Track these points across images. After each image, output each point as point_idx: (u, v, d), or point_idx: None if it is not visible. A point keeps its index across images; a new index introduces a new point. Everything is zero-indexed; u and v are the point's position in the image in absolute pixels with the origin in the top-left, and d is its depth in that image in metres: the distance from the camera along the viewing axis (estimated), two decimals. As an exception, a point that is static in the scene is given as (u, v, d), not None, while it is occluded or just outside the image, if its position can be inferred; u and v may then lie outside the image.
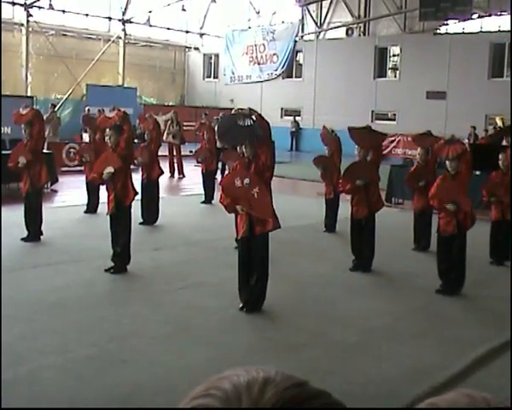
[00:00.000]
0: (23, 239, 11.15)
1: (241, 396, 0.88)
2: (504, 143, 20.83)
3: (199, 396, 0.89)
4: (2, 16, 32.47)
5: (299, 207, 15.50)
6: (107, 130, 10.05)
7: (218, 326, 7.42)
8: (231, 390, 0.89)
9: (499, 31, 33.46)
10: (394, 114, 35.04)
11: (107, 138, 10.02)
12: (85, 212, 13.94)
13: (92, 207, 13.76)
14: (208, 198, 15.97)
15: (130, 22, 37.60)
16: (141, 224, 13.03)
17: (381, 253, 10.38)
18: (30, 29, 33.47)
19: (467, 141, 24.04)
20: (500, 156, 11.20)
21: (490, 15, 35.39)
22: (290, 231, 13.28)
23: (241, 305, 7.95)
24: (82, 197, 14.48)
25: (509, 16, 30.74)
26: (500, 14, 34.76)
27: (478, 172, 15.04)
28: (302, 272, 10.01)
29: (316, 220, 13.58)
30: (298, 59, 39.49)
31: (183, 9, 37.56)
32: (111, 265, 9.47)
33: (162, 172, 14.17)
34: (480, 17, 35.38)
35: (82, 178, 14.98)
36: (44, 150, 17.23)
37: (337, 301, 8.68)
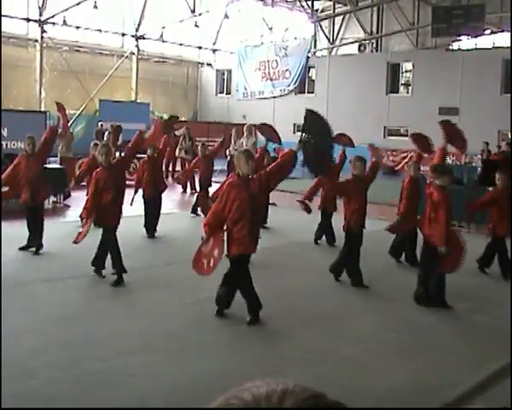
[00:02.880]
0: (21, 248, 11.35)
1: (260, 406, 0.88)
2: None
3: (220, 406, 0.90)
4: (17, 32, 32.84)
5: (310, 222, 15.47)
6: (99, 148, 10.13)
7: (227, 341, 7.42)
8: (251, 400, 0.90)
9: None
10: (407, 130, 34.96)
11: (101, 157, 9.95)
12: (94, 226, 13.97)
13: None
14: None
15: (144, 38, 37.79)
16: (149, 237, 13.21)
17: (381, 268, 10.36)
18: (44, 45, 33.72)
19: (479, 157, 24.02)
20: (497, 176, 11.41)
21: (502, 31, 35.41)
22: (296, 246, 13.29)
23: (247, 319, 8.00)
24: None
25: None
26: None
27: (490, 188, 15.02)
28: (308, 287, 10.00)
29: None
30: (310, 75, 39.55)
31: (196, 25, 37.72)
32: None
33: (166, 187, 14.22)
34: (492, 33, 35.43)
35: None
36: (57, 165, 17.36)
37: (343, 316, 8.66)
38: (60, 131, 12.43)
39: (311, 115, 9.01)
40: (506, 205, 11.10)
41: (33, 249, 11.43)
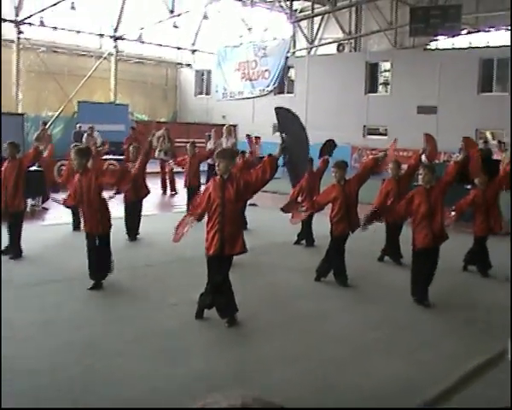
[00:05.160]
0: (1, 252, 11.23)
1: None
2: (495, 157, 20.96)
3: None
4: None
5: (289, 223, 15.48)
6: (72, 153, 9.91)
7: (210, 342, 7.41)
8: None
9: (488, 46, 33.75)
10: (386, 129, 35.15)
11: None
12: (74, 230, 13.90)
13: (78, 224, 13.52)
14: None
15: (122, 39, 37.63)
16: (131, 241, 13.16)
17: (366, 267, 10.39)
18: (21, 46, 33.45)
19: (457, 155, 24.13)
20: (476, 181, 11.52)
21: (479, 31, 35.69)
22: (279, 246, 13.30)
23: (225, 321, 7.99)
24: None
25: (499, 31, 30.94)
26: (488, 30, 35.09)
27: (469, 186, 15.11)
28: (290, 287, 10.02)
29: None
30: (290, 75, 39.61)
31: (175, 26, 37.62)
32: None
33: (148, 192, 14.04)
34: (469, 33, 35.66)
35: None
36: (35, 168, 17.23)
37: (326, 315, 8.68)
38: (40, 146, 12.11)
39: (283, 113, 9.01)
40: (484, 206, 11.19)
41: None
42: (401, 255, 11.76)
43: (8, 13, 32.67)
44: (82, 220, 9.87)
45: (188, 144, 17.06)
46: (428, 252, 9.13)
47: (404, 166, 12.46)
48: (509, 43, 29.65)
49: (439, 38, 34.86)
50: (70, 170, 12.47)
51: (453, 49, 34.85)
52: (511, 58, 29.20)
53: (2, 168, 11.41)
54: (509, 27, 31.19)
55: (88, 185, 9.37)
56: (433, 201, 9.15)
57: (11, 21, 32.81)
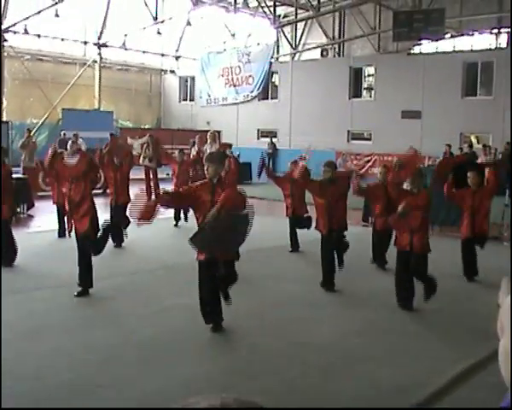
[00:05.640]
0: None
1: None
2: (479, 160, 21.10)
3: None
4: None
5: (274, 228, 15.52)
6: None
7: (194, 349, 7.40)
8: None
9: (472, 50, 33.98)
10: (370, 134, 35.28)
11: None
12: (59, 236, 13.85)
13: (63, 231, 13.44)
14: (179, 221, 16.24)
15: (106, 46, 37.61)
16: (115, 246, 13.09)
17: (352, 272, 10.42)
18: (5, 54, 33.34)
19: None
20: (469, 174, 11.37)
21: (462, 35, 35.93)
22: (265, 252, 13.31)
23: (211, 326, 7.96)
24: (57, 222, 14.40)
25: (483, 35, 31.14)
26: (472, 34, 35.34)
27: (453, 190, 15.19)
28: (274, 293, 10.02)
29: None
30: (273, 80, 39.68)
31: (159, 33, 37.63)
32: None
33: (128, 200, 13.96)
34: (452, 37, 35.93)
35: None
36: (20, 175, 17.18)
37: (309, 321, 8.68)
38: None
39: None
40: (471, 209, 11.16)
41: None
42: (386, 261, 11.74)
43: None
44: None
45: (177, 151, 17.10)
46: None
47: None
48: (507, 46, 29.88)
49: (422, 42, 35.09)
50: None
51: (437, 53, 35.09)
52: (511, 60, 29.36)
53: None
54: (497, 30, 31.42)
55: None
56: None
57: (-6, 30, 32.73)
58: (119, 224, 13.40)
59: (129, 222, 13.63)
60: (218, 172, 7.87)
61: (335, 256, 10.39)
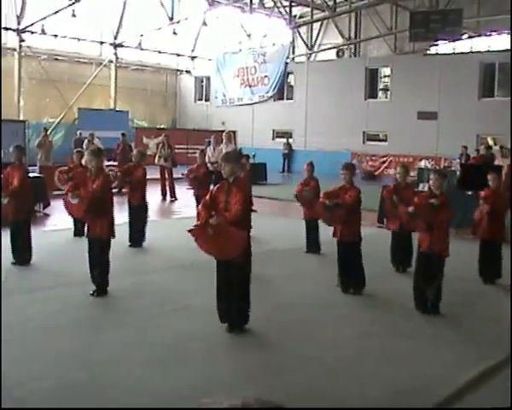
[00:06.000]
0: (13, 263, 11.11)
1: None
2: (497, 162, 20.95)
3: None
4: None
5: (290, 229, 15.48)
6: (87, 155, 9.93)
7: (208, 349, 7.37)
8: None
9: (489, 51, 33.76)
10: (386, 135, 35.15)
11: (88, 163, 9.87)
12: (74, 235, 13.87)
13: (78, 231, 13.43)
14: None
15: (122, 46, 37.74)
16: (130, 246, 13.10)
17: (367, 274, 10.34)
18: (22, 54, 33.57)
19: (458, 161, 24.16)
20: (489, 177, 11.18)
21: (480, 35, 35.74)
22: (280, 253, 13.27)
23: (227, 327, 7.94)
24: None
25: (501, 35, 30.97)
26: (490, 35, 35.12)
27: (470, 192, 15.11)
28: (289, 294, 9.97)
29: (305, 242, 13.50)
30: (289, 81, 39.65)
31: (175, 33, 37.73)
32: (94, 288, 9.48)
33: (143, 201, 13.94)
34: (470, 37, 35.75)
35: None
36: (36, 174, 17.23)
37: (325, 322, 8.63)
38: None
39: None
40: (499, 209, 10.98)
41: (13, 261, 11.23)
42: (409, 264, 11.39)
43: (10, 22, 32.80)
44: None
45: (197, 152, 17.07)
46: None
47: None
48: (510, 47, 29.70)
49: (439, 42, 34.90)
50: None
51: (454, 53, 34.87)
52: (511, 62, 29.23)
53: (4, 173, 11.33)
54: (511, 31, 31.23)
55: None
56: None
57: (13, 30, 32.94)
58: (135, 225, 13.38)
59: (145, 223, 13.63)
60: (234, 171, 7.82)
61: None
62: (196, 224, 7.86)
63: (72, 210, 9.81)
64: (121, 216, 12.83)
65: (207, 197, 7.93)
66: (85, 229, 9.75)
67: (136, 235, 13.38)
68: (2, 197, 10.94)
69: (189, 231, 7.72)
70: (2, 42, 33.32)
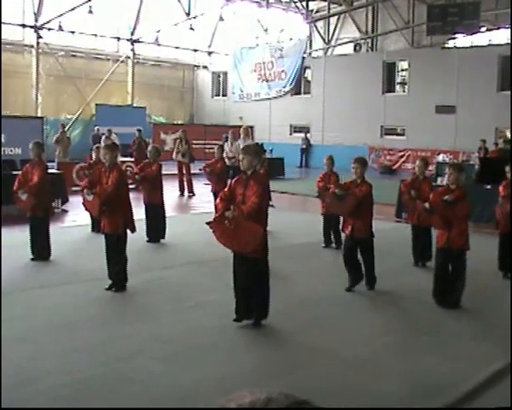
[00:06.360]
0: (32, 259, 11.16)
1: None
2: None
3: None
4: (13, 38, 32.84)
5: (307, 224, 15.45)
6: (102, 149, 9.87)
7: (225, 345, 7.38)
8: None
9: (508, 43, 33.45)
10: (403, 129, 35.02)
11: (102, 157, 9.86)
12: (92, 231, 13.92)
13: (96, 226, 13.48)
14: None
15: (139, 42, 37.83)
16: (148, 241, 13.10)
17: (384, 269, 10.30)
18: (40, 50, 33.73)
19: (477, 155, 24.04)
20: (506, 169, 11.08)
21: (498, 28, 35.43)
22: (297, 248, 13.26)
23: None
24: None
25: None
26: (508, 27, 34.79)
27: (488, 186, 15.03)
28: (306, 290, 9.95)
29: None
30: (306, 75, 39.58)
31: (191, 28, 37.77)
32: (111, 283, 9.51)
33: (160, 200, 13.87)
34: (488, 30, 35.45)
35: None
36: (54, 170, 17.31)
37: (342, 318, 8.61)
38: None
39: None
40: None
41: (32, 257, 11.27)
42: (429, 257, 11.28)
43: (27, 19, 32.98)
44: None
45: (215, 147, 17.02)
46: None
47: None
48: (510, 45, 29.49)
49: (456, 36, 34.67)
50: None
51: (471, 47, 34.64)
52: (511, 57, 29.03)
53: (23, 170, 11.38)
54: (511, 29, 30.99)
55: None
56: None
57: (31, 27, 33.13)
58: (152, 223, 13.32)
59: (162, 221, 13.56)
60: (252, 164, 7.82)
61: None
62: (215, 216, 7.89)
63: (88, 207, 9.84)
64: (138, 212, 12.86)
65: (226, 190, 7.95)
66: (101, 224, 9.78)
67: (154, 232, 13.36)
68: (20, 193, 11.03)
69: (208, 223, 7.75)
70: (20, 39, 33.56)
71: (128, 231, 9.61)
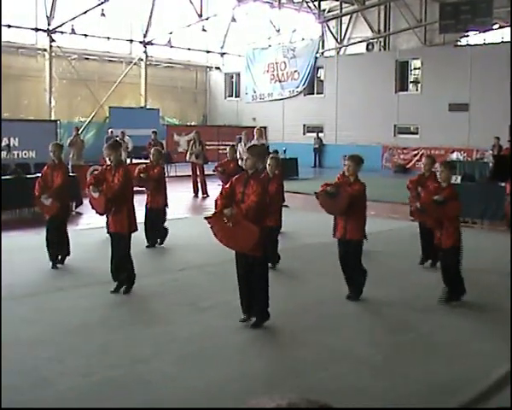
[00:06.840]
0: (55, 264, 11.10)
1: None
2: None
3: None
4: (26, 42, 33.01)
5: (321, 224, 15.43)
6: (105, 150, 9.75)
7: (241, 346, 7.39)
8: None
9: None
10: (417, 128, 34.91)
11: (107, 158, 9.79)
12: (108, 233, 13.90)
13: None
14: None
15: (152, 44, 37.92)
16: (147, 247, 12.86)
17: (392, 268, 10.26)
18: (53, 54, 33.89)
19: (491, 152, 23.93)
20: None
21: (511, 25, 35.21)
22: (310, 248, 13.24)
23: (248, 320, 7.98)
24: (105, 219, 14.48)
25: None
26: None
27: (503, 184, 14.95)
28: (318, 290, 9.94)
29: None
30: (319, 75, 39.54)
31: (204, 30, 37.81)
32: (121, 285, 9.54)
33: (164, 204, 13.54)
34: (500, 27, 35.26)
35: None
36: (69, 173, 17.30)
37: (356, 318, 8.59)
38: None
39: None
40: None
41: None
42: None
43: (40, 22, 33.14)
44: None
45: (228, 148, 16.96)
46: None
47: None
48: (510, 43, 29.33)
49: (469, 33, 34.54)
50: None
51: (484, 44, 34.49)
52: (511, 59, 28.88)
53: (43, 173, 11.28)
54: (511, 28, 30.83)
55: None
56: None
57: (43, 31, 33.29)
58: (152, 227, 13.14)
59: (162, 224, 13.36)
60: (255, 165, 7.87)
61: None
62: (213, 212, 7.91)
63: (94, 204, 9.77)
64: (138, 215, 12.89)
65: (227, 187, 7.96)
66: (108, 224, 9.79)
67: (154, 236, 13.11)
68: (44, 198, 10.97)
69: (206, 218, 7.78)
70: (33, 43, 33.71)
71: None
